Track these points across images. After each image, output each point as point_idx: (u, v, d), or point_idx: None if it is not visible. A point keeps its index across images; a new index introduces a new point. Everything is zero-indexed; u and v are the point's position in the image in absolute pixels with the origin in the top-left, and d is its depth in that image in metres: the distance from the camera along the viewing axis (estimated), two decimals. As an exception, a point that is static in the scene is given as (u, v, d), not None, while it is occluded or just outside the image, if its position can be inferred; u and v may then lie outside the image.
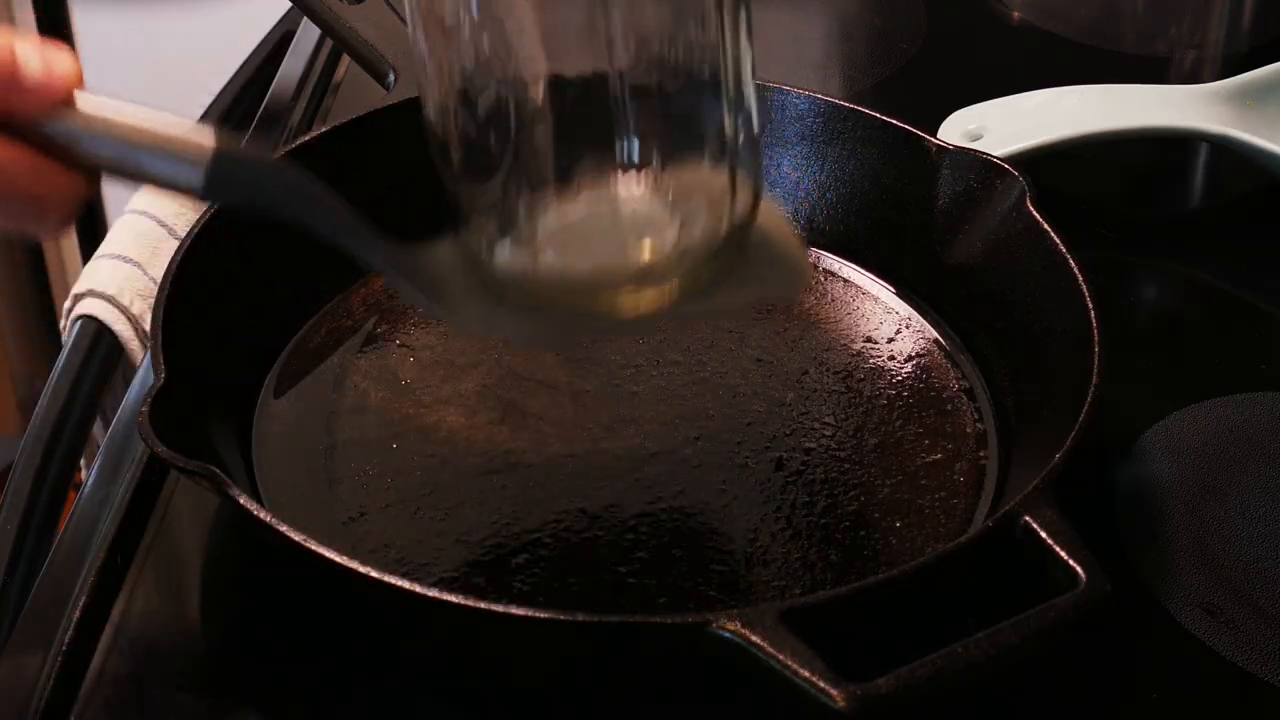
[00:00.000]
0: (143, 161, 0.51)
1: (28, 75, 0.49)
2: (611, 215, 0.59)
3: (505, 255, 0.60)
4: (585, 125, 0.58)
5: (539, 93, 0.57)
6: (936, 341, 0.73)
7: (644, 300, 0.60)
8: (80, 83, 0.50)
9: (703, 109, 0.58)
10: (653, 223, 0.59)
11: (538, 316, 0.60)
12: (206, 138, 0.52)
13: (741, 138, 0.60)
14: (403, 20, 0.83)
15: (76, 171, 0.51)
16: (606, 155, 0.58)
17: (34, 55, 0.49)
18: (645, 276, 0.60)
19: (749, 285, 0.62)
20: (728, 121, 0.59)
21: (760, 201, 0.61)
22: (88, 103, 0.51)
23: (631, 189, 0.58)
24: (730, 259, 0.61)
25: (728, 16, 0.57)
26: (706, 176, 0.59)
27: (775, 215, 0.65)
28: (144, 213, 0.86)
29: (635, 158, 0.58)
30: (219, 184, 0.52)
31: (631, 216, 0.59)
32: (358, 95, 0.89)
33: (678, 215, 0.59)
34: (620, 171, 0.58)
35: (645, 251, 0.59)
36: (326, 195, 0.57)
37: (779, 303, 0.65)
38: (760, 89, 0.61)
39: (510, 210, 0.58)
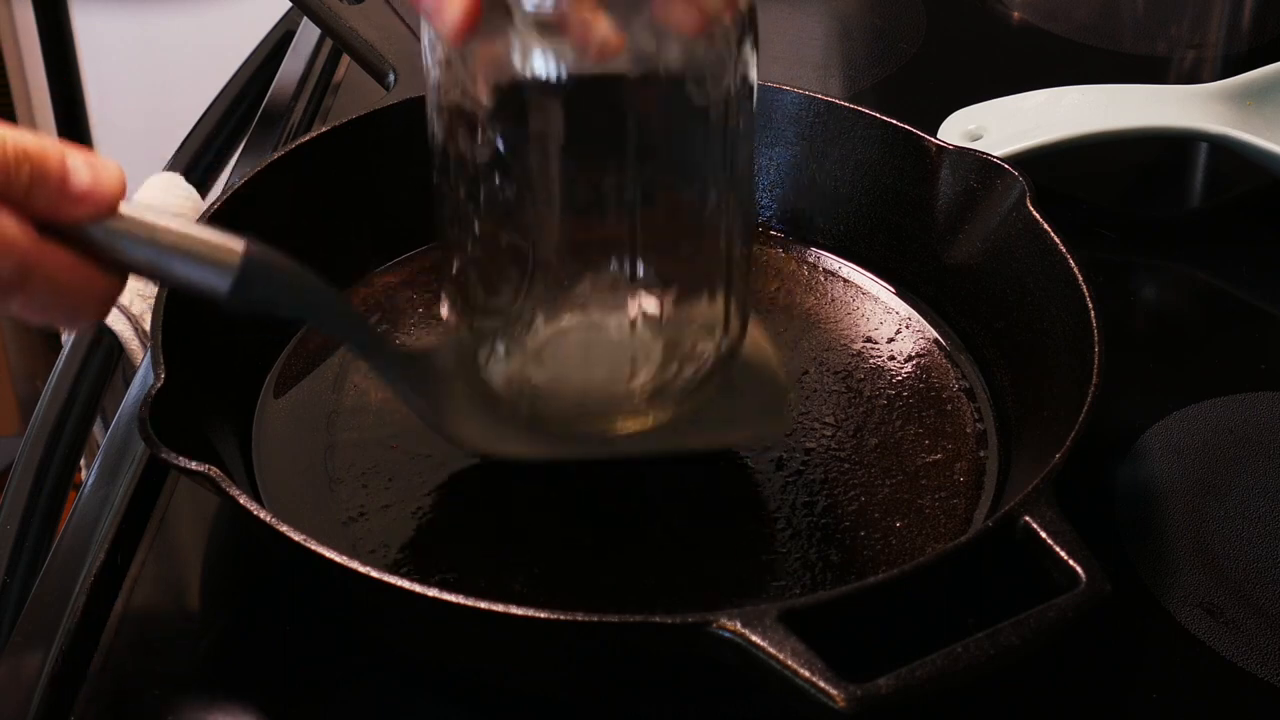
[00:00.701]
0: (175, 268, 0.54)
1: (76, 184, 0.52)
2: (607, 339, 0.61)
3: (499, 372, 0.63)
4: (590, 249, 0.60)
5: (555, 239, 0.60)
6: (936, 341, 0.73)
7: (631, 423, 0.63)
8: (124, 194, 0.53)
9: (704, 238, 0.61)
10: (646, 348, 0.62)
11: (531, 435, 0.63)
12: (235, 249, 0.54)
13: (738, 267, 0.62)
14: (403, 20, 0.83)
15: (111, 273, 0.54)
16: (607, 279, 0.60)
17: (83, 165, 0.52)
18: (636, 402, 0.62)
19: (735, 426, 0.65)
20: (727, 250, 0.61)
21: (745, 332, 0.64)
22: (129, 211, 0.53)
23: (628, 313, 0.61)
24: (717, 386, 0.63)
25: (738, 151, 0.60)
26: (700, 305, 0.62)
27: (763, 350, 0.67)
28: (144, 213, 0.86)
29: (636, 282, 0.60)
30: (243, 293, 0.55)
31: (625, 341, 0.61)
32: (358, 95, 0.89)
33: (671, 342, 0.62)
34: (619, 295, 0.61)
35: (638, 378, 0.62)
36: (346, 305, 0.60)
37: (763, 443, 0.66)
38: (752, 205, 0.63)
39: (513, 327, 0.61)
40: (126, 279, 0.54)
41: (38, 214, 0.51)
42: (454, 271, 0.62)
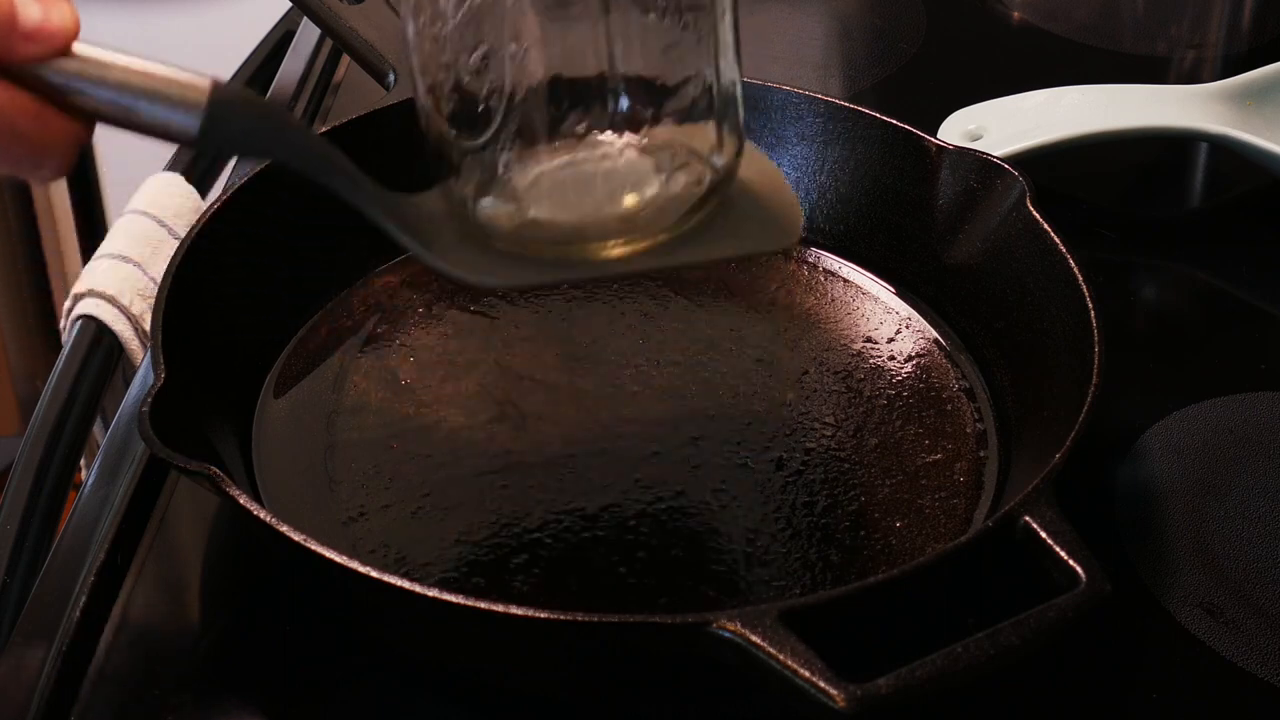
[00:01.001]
0: (139, 108, 0.52)
1: (25, 21, 0.50)
2: (595, 168, 0.59)
3: (491, 206, 0.60)
4: (572, 80, 0.58)
5: (535, 55, 0.57)
6: (936, 341, 0.73)
7: (629, 247, 0.60)
8: (77, 31, 0.51)
9: (687, 63, 0.59)
10: (636, 174, 0.59)
11: (524, 263, 0.60)
12: (203, 85, 0.52)
13: (723, 90, 0.60)
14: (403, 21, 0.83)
15: (75, 118, 0.52)
16: (592, 109, 0.58)
17: (32, 3, 0.51)
18: (629, 225, 0.60)
19: (738, 237, 0.62)
20: (710, 74, 0.59)
21: (741, 152, 0.61)
22: (86, 51, 0.52)
23: (615, 141, 0.59)
24: (715, 208, 0.61)
25: None
26: (688, 129, 0.59)
27: (767, 166, 0.64)
28: (144, 213, 0.86)
29: (620, 111, 0.58)
30: (215, 131, 0.52)
31: (614, 169, 0.59)
32: (358, 95, 0.89)
33: (661, 167, 0.59)
34: (605, 124, 0.58)
35: (628, 202, 0.60)
36: (321, 143, 0.57)
37: (770, 253, 0.64)
38: (741, 55, 0.61)
39: (497, 163, 0.59)
40: (93, 125, 0.52)
41: None
42: (431, 114, 0.60)
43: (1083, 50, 0.98)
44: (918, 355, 0.72)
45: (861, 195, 0.76)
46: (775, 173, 0.64)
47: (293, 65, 0.94)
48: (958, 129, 0.83)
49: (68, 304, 0.84)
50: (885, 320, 0.74)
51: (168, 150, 0.96)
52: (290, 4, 0.84)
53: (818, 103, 0.77)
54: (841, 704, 0.50)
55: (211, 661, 0.60)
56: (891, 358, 0.72)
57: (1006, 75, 0.89)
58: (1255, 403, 0.72)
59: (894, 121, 0.75)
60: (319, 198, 0.72)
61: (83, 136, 0.52)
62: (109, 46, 0.52)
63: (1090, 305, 0.65)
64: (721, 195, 0.61)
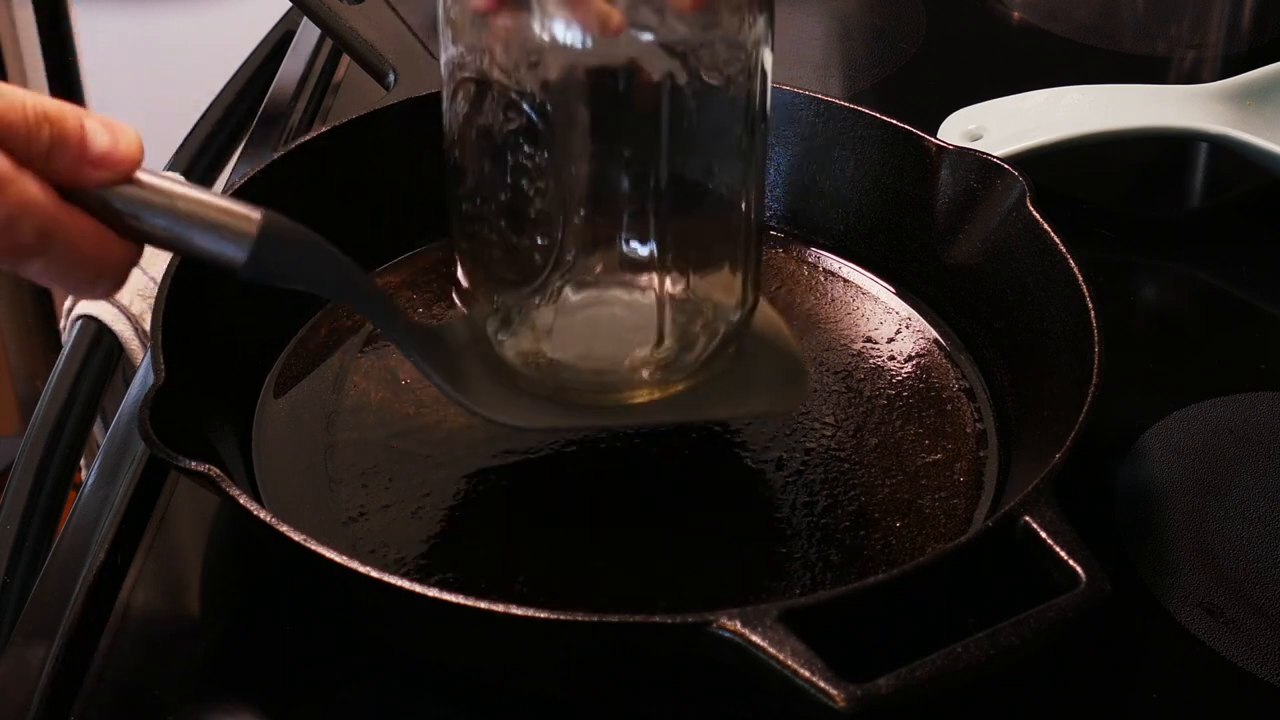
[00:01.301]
0: (193, 237, 0.54)
1: (95, 147, 0.52)
2: (616, 313, 0.62)
3: (515, 346, 0.63)
4: (611, 228, 0.61)
5: (576, 210, 0.60)
6: (936, 341, 0.73)
7: (646, 395, 0.63)
8: (141, 159, 0.53)
9: (719, 214, 0.62)
10: (661, 322, 0.62)
11: (545, 405, 0.63)
12: (253, 218, 0.55)
13: (752, 242, 0.63)
14: (403, 20, 0.83)
15: (130, 241, 0.54)
16: (626, 257, 0.61)
17: (102, 129, 0.53)
18: (651, 374, 0.63)
19: (750, 397, 0.65)
20: (744, 226, 0.62)
21: (757, 305, 0.64)
22: (147, 178, 0.54)
23: (645, 289, 0.61)
24: (730, 363, 0.64)
25: (754, 139, 0.61)
26: (715, 280, 0.62)
27: (779, 325, 0.68)
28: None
29: (654, 260, 0.61)
30: (259, 265, 0.55)
31: (640, 316, 0.62)
32: (358, 95, 0.89)
33: (685, 315, 0.62)
34: (637, 272, 0.61)
35: (652, 351, 0.62)
36: (361, 276, 0.59)
37: (779, 414, 0.67)
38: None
39: (527, 307, 0.62)
40: (143, 248, 0.55)
41: (58, 177, 0.52)
42: (469, 252, 0.63)
43: (1083, 50, 0.98)
44: (918, 355, 0.72)
45: (861, 195, 0.76)
46: (786, 334, 0.67)
47: (293, 65, 0.94)
48: (958, 129, 0.83)
49: (67, 304, 0.84)
50: (885, 320, 0.74)
51: (167, 150, 0.96)
52: (290, 4, 0.84)
53: (818, 103, 0.77)
54: (841, 704, 0.50)
55: (211, 661, 0.60)
56: (891, 358, 0.72)
57: (1006, 75, 0.89)
58: (1255, 403, 0.72)
59: (894, 121, 0.75)
60: (319, 198, 0.73)
61: (134, 259, 0.55)
62: (167, 176, 0.54)
63: (1090, 305, 0.65)
64: (736, 345, 0.64)
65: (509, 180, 0.60)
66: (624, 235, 0.61)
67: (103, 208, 0.53)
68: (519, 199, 0.60)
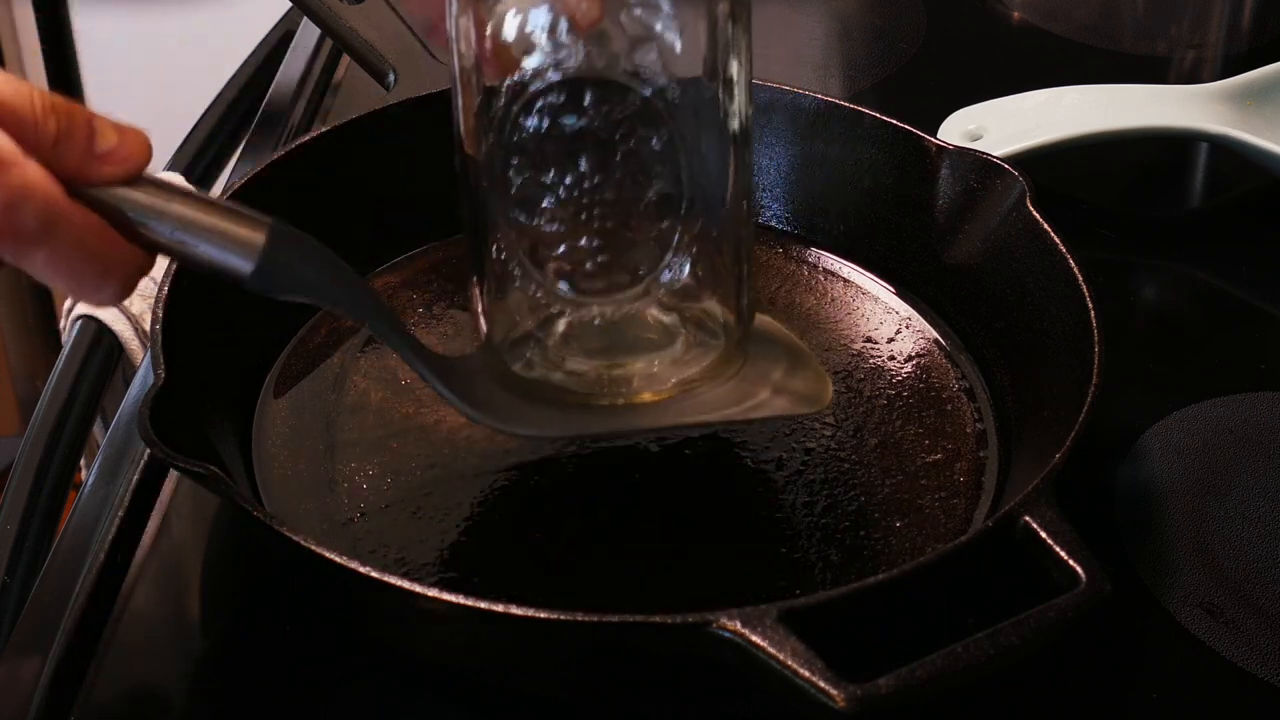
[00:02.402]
0: (199, 246, 0.54)
1: (103, 144, 0.52)
2: (627, 328, 0.63)
3: (527, 362, 0.63)
4: (604, 243, 0.61)
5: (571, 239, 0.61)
6: (936, 341, 0.73)
7: (654, 397, 0.63)
8: (149, 160, 0.53)
9: (713, 226, 0.62)
10: (660, 334, 0.63)
11: (555, 414, 0.63)
12: (260, 230, 0.54)
13: (743, 253, 0.63)
14: (403, 20, 0.83)
15: (139, 246, 0.54)
16: (620, 271, 0.61)
17: (109, 127, 0.53)
18: (652, 383, 0.63)
19: (769, 401, 0.65)
20: (733, 238, 0.62)
21: (754, 314, 0.65)
22: (155, 183, 0.54)
23: (645, 302, 0.62)
24: (734, 364, 0.64)
25: (746, 155, 0.62)
26: (706, 292, 0.63)
27: (783, 332, 0.68)
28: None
29: (652, 274, 0.61)
30: (266, 277, 0.54)
31: (645, 328, 0.63)
32: (358, 95, 0.89)
33: (683, 328, 0.63)
34: (632, 285, 0.62)
35: (658, 363, 0.63)
36: (367, 289, 0.60)
37: (803, 413, 0.66)
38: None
39: (537, 326, 0.63)
40: (155, 257, 0.54)
41: (64, 171, 0.52)
42: (479, 278, 0.63)
43: (1083, 50, 0.98)
44: (918, 355, 0.72)
45: (861, 195, 0.76)
46: (797, 341, 0.68)
47: (293, 65, 0.94)
48: (958, 129, 0.83)
49: (67, 304, 0.84)
50: (885, 320, 0.74)
51: (168, 150, 0.96)
52: (290, 4, 0.84)
53: (818, 103, 0.77)
54: (841, 704, 0.50)
55: (211, 661, 0.60)
56: (891, 358, 0.72)
57: (1006, 75, 0.89)
58: (1255, 403, 0.72)
59: (894, 121, 0.75)
60: (319, 198, 0.73)
61: (145, 266, 0.54)
62: (174, 182, 0.55)
63: (1090, 305, 0.65)
64: (738, 361, 0.64)
65: (507, 199, 0.60)
66: (623, 259, 0.61)
67: (108, 209, 0.53)
68: (519, 215, 0.61)
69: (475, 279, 0.64)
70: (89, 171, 0.52)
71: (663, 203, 0.60)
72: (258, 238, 0.54)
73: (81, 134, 0.52)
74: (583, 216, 0.60)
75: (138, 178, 0.53)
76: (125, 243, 0.53)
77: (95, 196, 0.53)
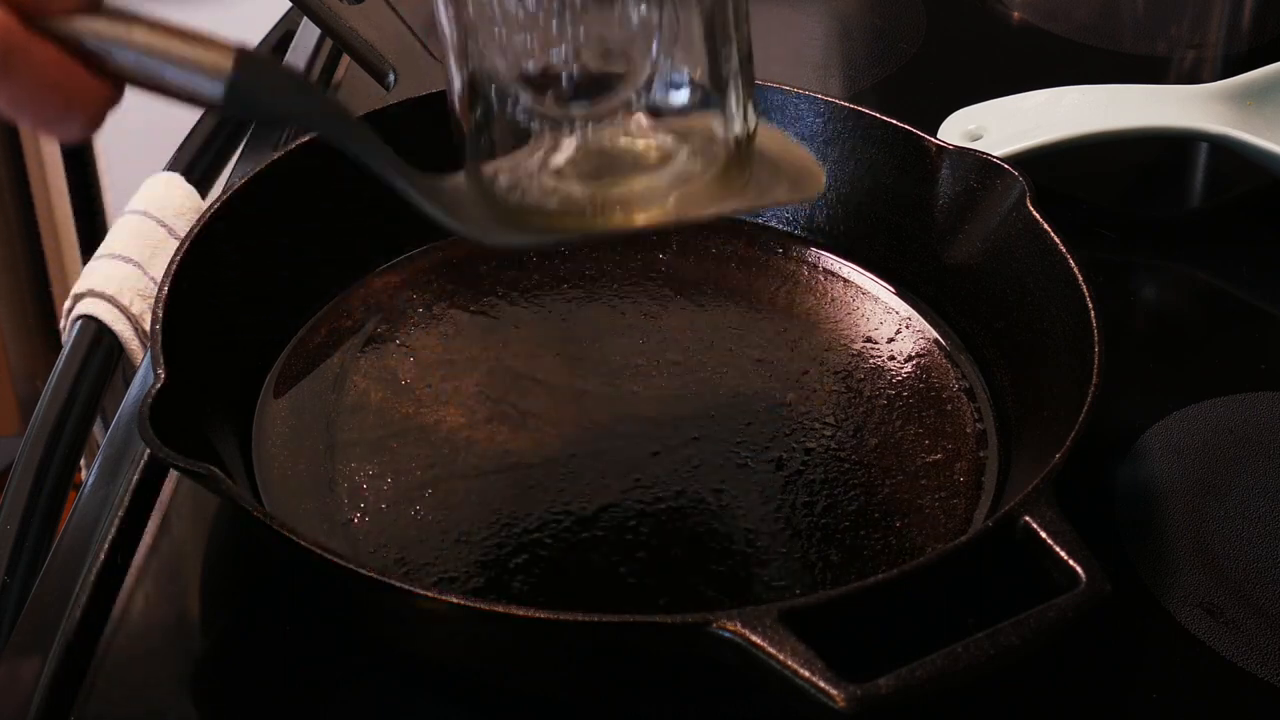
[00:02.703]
0: (166, 72, 0.53)
1: None
2: (615, 148, 0.60)
3: (510, 188, 0.60)
4: (589, 62, 0.59)
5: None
6: (936, 341, 0.73)
7: (658, 214, 0.61)
8: None
9: (702, 44, 0.59)
10: (655, 152, 0.60)
11: (545, 231, 0.61)
12: (228, 50, 0.53)
13: (737, 66, 0.60)
14: (403, 20, 0.83)
15: (105, 77, 0.52)
16: (608, 91, 0.59)
17: None
18: (649, 198, 0.60)
19: (762, 191, 0.62)
20: (724, 53, 0.60)
21: (755, 128, 0.62)
22: (117, 11, 0.52)
23: (633, 121, 0.59)
24: (734, 177, 0.61)
25: None
26: (704, 109, 0.60)
27: (778, 136, 0.65)
28: (144, 213, 0.86)
29: (637, 92, 0.59)
30: (238, 96, 0.53)
31: (634, 148, 0.60)
32: (358, 95, 0.89)
33: (682, 147, 0.60)
34: (621, 106, 0.59)
35: (655, 177, 0.60)
36: (343, 109, 0.58)
37: (795, 202, 0.64)
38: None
39: (523, 150, 0.60)
40: (123, 88, 0.53)
41: (20, 4, 0.51)
42: (460, 105, 0.61)
43: (1083, 50, 0.98)
44: (918, 355, 0.72)
45: (861, 195, 0.76)
46: (789, 140, 0.65)
47: (292, 65, 0.94)
48: (958, 129, 0.83)
49: (68, 304, 0.84)
50: (885, 320, 0.74)
51: (168, 150, 0.96)
52: (290, 4, 0.84)
53: (818, 103, 0.77)
54: (841, 704, 0.50)
55: (211, 661, 0.60)
56: (891, 358, 0.72)
57: (1006, 75, 0.89)
58: (1255, 403, 0.72)
59: (894, 121, 0.75)
60: (319, 198, 0.73)
61: (113, 98, 0.53)
62: (139, 11, 0.53)
63: (1090, 305, 0.65)
64: (739, 165, 0.61)
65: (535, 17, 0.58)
66: (610, 77, 0.59)
67: (68, 39, 0.51)
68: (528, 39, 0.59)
69: (457, 106, 0.61)
70: (47, 3, 0.51)
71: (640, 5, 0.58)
72: (225, 62, 0.53)
73: None
74: (555, 22, 0.59)
75: (98, 6, 0.52)
76: (89, 74, 0.52)
77: (54, 27, 0.51)
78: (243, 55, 0.53)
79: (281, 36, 1.01)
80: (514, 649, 0.57)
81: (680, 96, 0.60)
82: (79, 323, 0.82)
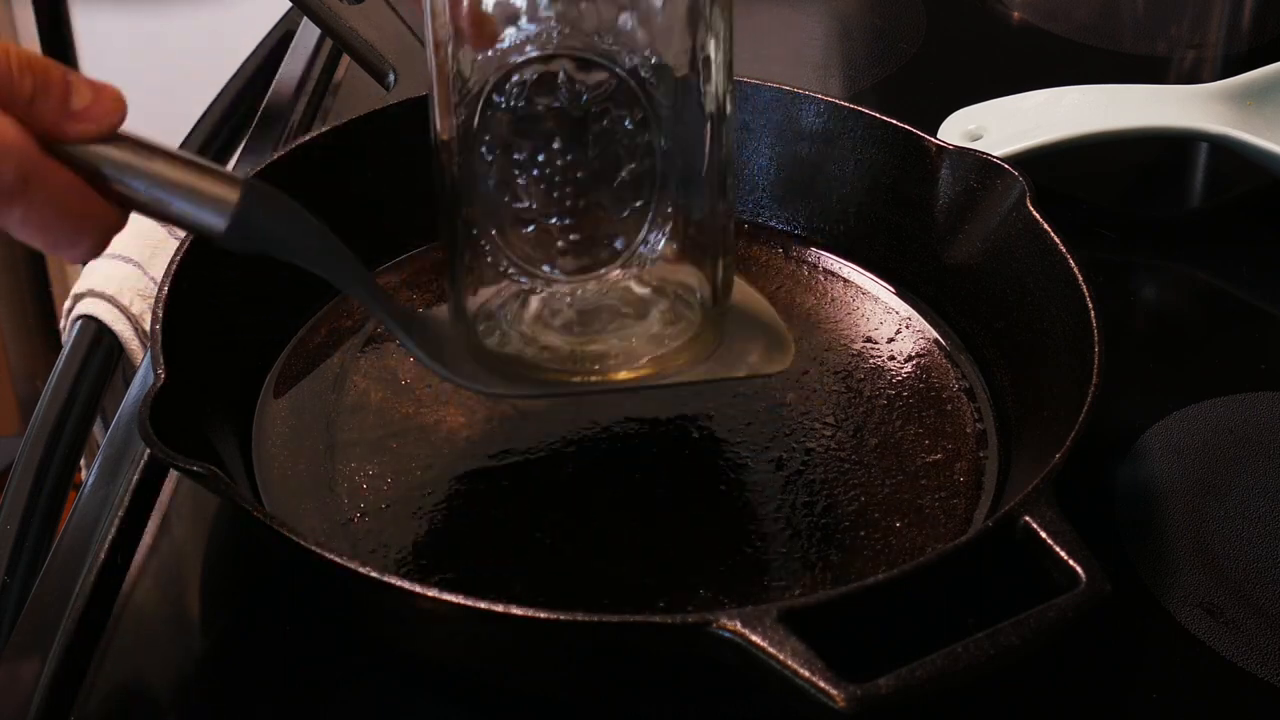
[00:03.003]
0: (173, 203, 0.54)
1: (77, 101, 0.53)
2: (598, 301, 0.63)
3: (488, 332, 0.63)
4: (578, 221, 0.61)
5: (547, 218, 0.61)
6: (936, 341, 0.73)
7: (631, 374, 0.64)
8: (123, 118, 0.53)
9: (690, 203, 0.62)
10: (635, 308, 0.63)
11: (526, 383, 0.64)
12: (234, 188, 0.54)
13: (721, 229, 0.63)
14: (403, 20, 0.83)
15: (113, 203, 0.54)
16: (594, 248, 0.61)
17: (84, 85, 0.53)
18: (628, 359, 0.63)
19: (735, 363, 0.65)
20: (710, 214, 0.62)
21: (731, 289, 0.65)
22: (130, 139, 0.54)
23: (615, 278, 0.62)
24: (710, 339, 0.64)
25: (724, 133, 0.62)
26: (684, 267, 0.63)
27: (752, 295, 0.68)
28: (144, 213, 0.86)
29: (626, 251, 0.61)
30: (239, 233, 0.55)
31: (619, 302, 0.63)
32: (358, 95, 0.89)
33: (659, 303, 0.63)
34: (606, 262, 0.62)
35: (627, 335, 0.63)
36: (342, 250, 0.60)
37: (767, 375, 0.66)
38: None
39: (510, 301, 0.63)
40: (128, 214, 0.54)
41: (40, 127, 0.52)
42: (451, 252, 0.63)
43: (1083, 50, 0.98)
44: (918, 355, 0.72)
45: (861, 195, 0.76)
46: (767, 307, 0.68)
47: (293, 65, 0.94)
48: (958, 129, 0.83)
49: (68, 304, 0.84)
50: (885, 320, 0.74)
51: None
52: (290, 4, 0.84)
53: (818, 103, 0.77)
54: (841, 704, 0.50)
55: (211, 661, 0.60)
56: (891, 358, 0.72)
57: (1006, 75, 0.89)
58: (1255, 403, 0.72)
59: (894, 121, 0.75)
60: (319, 198, 0.73)
61: (118, 223, 0.54)
62: (151, 139, 0.54)
63: (1090, 305, 0.65)
64: (715, 327, 0.64)
65: (474, 186, 0.61)
66: (594, 238, 0.61)
67: (84, 165, 0.53)
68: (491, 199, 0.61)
69: (448, 253, 0.63)
70: (64, 128, 0.52)
71: (637, 181, 0.60)
72: (231, 195, 0.54)
73: (57, 91, 0.52)
74: (555, 194, 0.60)
75: (114, 135, 0.53)
76: (100, 200, 0.53)
77: (71, 153, 0.53)
78: (248, 190, 0.55)
79: (281, 36, 1.01)
80: (514, 649, 0.57)
81: (660, 254, 0.62)
82: (79, 323, 0.82)
